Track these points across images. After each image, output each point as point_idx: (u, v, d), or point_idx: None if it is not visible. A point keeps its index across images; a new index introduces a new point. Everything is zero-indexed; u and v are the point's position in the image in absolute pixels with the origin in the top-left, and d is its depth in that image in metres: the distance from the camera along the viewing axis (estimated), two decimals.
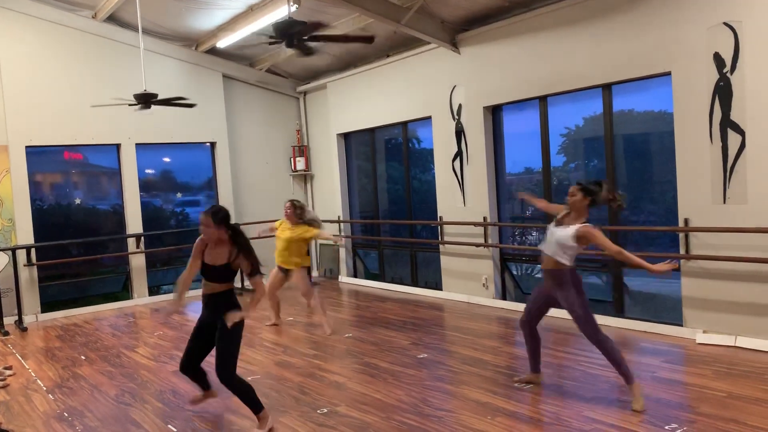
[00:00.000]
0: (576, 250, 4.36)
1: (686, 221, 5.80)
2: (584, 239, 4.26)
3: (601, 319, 6.50)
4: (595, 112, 6.86)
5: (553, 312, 6.99)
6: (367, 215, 10.34)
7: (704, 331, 5.70)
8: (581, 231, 4.24)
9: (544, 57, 6.93)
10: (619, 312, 6.57)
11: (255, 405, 4.22)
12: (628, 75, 6.20)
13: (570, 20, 6.64)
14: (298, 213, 6.86)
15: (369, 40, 6.18)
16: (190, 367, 4.47)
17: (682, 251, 5.86)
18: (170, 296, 9.73)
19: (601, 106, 6.65)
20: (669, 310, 6.27)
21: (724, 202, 5.50)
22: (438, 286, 8.78)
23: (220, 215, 4.17)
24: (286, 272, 7.04)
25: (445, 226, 8.45)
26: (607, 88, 6.53)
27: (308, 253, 7.18)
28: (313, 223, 6.96)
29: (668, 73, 5.86)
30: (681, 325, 5.92)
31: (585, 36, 6.52)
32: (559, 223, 4.46)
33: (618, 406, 4.31)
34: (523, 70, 7.20)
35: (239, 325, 4.16)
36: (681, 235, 5.86)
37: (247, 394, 4.19)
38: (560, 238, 4.35)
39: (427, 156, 9.03)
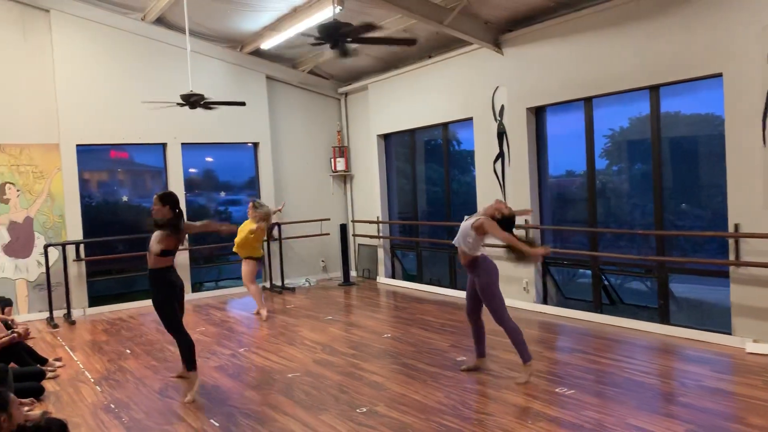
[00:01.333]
0: (476, 240, 4.97)
1: (736, 227, 5.63)
2: (481, 229, 4.90)
3: (645, 326, 6.45)
4: (640, 114, 6.72)
5: (594, 317, 6.97)
6: (406, 216, 10.34)
7: (755, 341, 5.52)
8: (478, 222, 4.92)
9: (590, 58, 6.83)
10: (665, 319, 6.42)
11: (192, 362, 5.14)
12: (677, 76, 6.05)
13: (616, 20, 6.52)
14: (256, 212, 8.04)
15: (411, 42, 6.15)
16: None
17: (731, 257, 5.69)
18: (212, 294, 9.94)
19: (645, 107, 6.51)
20: (716, 318, 6.10)
21: None
22: None
23: (164, 196, 5.14)
24: (255, 260, 8.25)
25: None
26: (654, 90, 6.39)
27: (263, 247, 8.76)
28: (258, 214, 8.01)
29: (719, 75, 5.71)
30: (729, 334, 5.75)
31: (632, 37, 6.39)
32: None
33: (663, 414, 4.22)
34: (568, 71, 7.10)
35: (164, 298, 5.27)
36: (731, 241, 5.69)
37: (189, 348, 5.11)
38: (462, 230, 5.04)
39: (467, 157, 8.98)
